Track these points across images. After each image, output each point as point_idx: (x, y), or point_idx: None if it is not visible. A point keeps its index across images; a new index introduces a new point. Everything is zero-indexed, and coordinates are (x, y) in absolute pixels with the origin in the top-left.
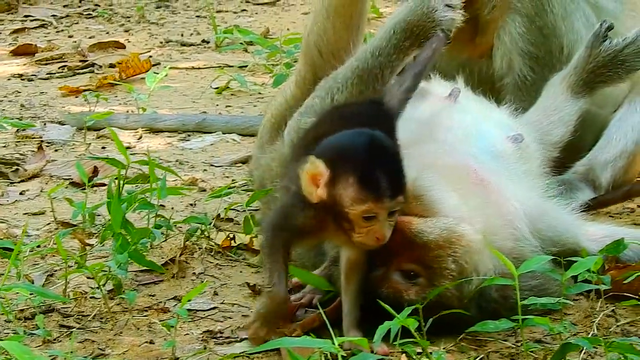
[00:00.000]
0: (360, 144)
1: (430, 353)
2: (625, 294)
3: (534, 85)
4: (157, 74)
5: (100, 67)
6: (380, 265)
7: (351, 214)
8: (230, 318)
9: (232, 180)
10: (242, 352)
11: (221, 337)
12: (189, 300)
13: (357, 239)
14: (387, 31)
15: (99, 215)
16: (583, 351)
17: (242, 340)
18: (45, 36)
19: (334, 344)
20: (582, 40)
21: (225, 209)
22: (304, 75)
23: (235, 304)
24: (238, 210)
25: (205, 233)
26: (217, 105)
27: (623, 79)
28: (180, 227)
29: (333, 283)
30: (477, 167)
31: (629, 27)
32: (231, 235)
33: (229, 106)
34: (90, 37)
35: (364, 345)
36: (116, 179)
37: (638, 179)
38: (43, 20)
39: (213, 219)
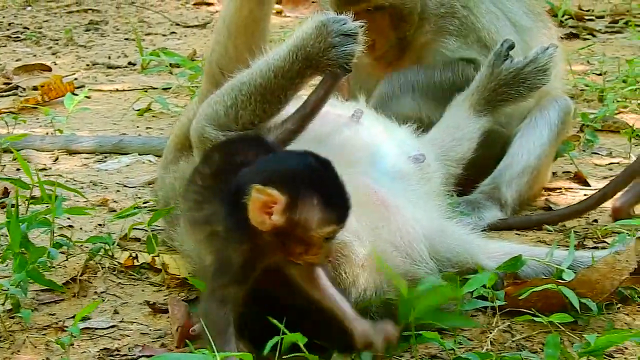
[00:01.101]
0: (313, 166)
1: None
2: (521, 309)
3: None
4: (77, 95)
5: (24, 89)
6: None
7: (315, 237)
8: (128, 336)
9: (144, 201)
10: None
11: (118, 355)
12: (89, 319)
13: (310, 260)
14: (288, 54)
15: (5, 236)
16: None
17: (138, 358)
18: None
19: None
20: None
21: (129, 228)
22: (206, 94)
23: (134, 322)
24: (146, 230)
25: (109, 252)
26: (138, 127)
27: (525, 98)
28: (86, 247)
29: None
30: (377, 188)
31: (542, 42)
32: (134, 255)
33: (150, 128)
34: (17, 60)
35: (249, 358)
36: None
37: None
38: None
39: (119, 239)
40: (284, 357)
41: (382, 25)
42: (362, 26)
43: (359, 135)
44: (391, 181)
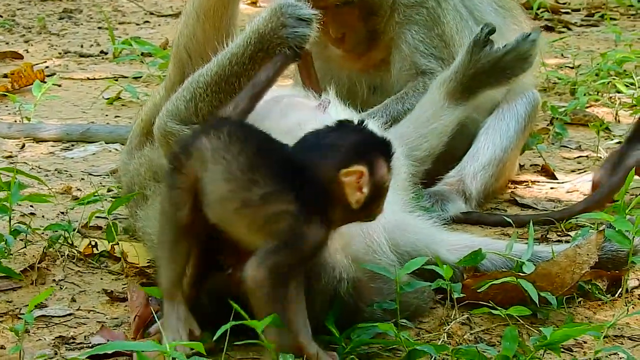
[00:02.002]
0: (356, 129)
1: None
2: (481, 302)
3: None
4: (46, 83)
5: None
6: (230, 265)
7: (386, 187)
8: (84, 324)
9: (107, 189)
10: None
11: (73, 343)
12: (46, 307)
13: (379, 212)
14: (244, 39)
15: None
16: (433, 358)
17: (93, 346)
18: None
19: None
20: None
21: (89, 216)
22: (173, 79)
23: (91, 310)
24: (108, 218)
25: (68, 240)
26: (107, 115)
27: (503, 85)
28: (45, 234)
29: None
30: None
31: (511, 39)
32: (93, 243)
33: (118, 117)
34: None
35: (199, 348)
36: None
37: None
38: None
39: (80, 227)
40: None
41: (351, 19)
42: (318, 15)
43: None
44: None
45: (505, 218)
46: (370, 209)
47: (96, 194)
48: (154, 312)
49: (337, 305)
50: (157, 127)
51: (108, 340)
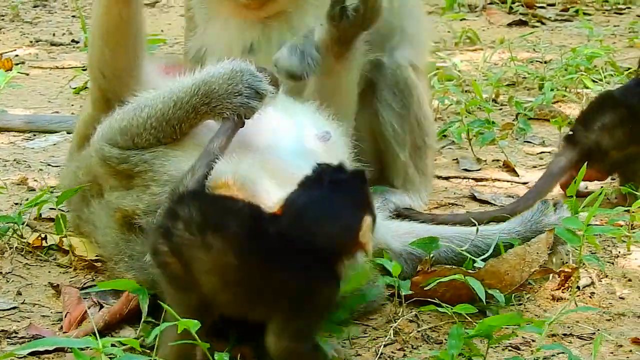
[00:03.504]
0: (346, 183)
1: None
2: (429, 299)
3: None
4: (10, 71)
5: None
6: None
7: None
8: (28, 318)
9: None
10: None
11: (15, 337)
12: None
13: None
14: (192, 86)
15: None
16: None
17: (29, 340)
18: None
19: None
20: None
21: (38, 208)
22: (95, 96)
23: (36, 304)
24: (62, 210)
25: (18, 232)
26: (73, 105)
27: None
28: None
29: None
30: (288, 168)
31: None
32: (43, 235)
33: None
34: None
35: (135, 345)
36: None
37: None
38: None
39: (33, 219)
40: None
41: None
42: (275, 92)
43: (263, 120)
44: (300, 160)
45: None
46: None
47: (51, 189)
48: (87, 309)
49: None
50: (95, 151)
51: (34, 336)
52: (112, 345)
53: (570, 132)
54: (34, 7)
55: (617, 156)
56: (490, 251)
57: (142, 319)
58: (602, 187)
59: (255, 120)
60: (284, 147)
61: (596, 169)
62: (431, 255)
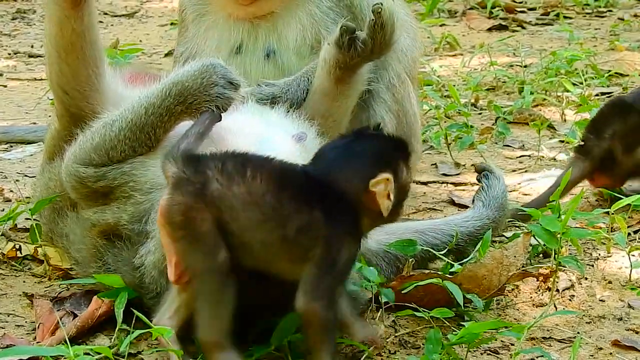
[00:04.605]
0: (370, 136)
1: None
2: (406, 304)
3: None
4: None
5: None
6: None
7: (408, 191)
8: (2, 328)
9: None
10: None
11: None
12: None
13: (401, 215)
14: (162, 90)
15: None
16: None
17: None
18: None
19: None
20: None
21: (13, 218)
22: (60, 112)
23: (11, 314)
24: (38, 220)
25: None
26: (50, 116)
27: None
28: None
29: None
30: None
31: None
32: (17, 246)
33: None
34: None
35: (107, 353)
36: None
37: None
38: None
39: (8, 229)
40: None
41: None
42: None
43: (241, 118)
44: None
45: None
46: (395, 212)
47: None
48: (59, 319)
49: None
50: (67, 174)
51: (7, 346)
52: (85, 353)
53: (581, 142)
54: (12, 19)
55: (631, 163)
56: (478, 247)
57: (117, 327)
58: (582, 188)
59: (230, 124)
60: (260, 150)
61: (609, 175)
62: (411, 260)
